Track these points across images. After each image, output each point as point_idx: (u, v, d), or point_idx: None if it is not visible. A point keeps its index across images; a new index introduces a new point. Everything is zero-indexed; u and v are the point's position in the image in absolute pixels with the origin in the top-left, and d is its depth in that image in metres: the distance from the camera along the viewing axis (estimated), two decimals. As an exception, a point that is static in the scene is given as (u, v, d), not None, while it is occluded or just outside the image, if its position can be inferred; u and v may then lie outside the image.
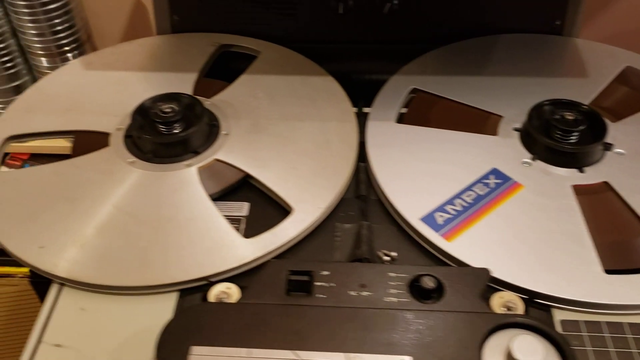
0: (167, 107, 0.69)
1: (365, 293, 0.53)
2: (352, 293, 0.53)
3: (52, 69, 1.02)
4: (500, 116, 0.72)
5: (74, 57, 1.02)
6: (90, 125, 0.72)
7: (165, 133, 0.68)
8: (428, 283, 0.53)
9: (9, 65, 1.03)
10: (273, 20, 0.85)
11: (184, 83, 0.77)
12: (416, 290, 0.54)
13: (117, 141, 0.70)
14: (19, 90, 1.07)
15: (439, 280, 0.53)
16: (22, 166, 1.18)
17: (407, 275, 0.54)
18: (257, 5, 0.84)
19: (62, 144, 1.08)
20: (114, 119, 0.72)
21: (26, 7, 0.96)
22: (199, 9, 0.85)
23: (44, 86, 0.79)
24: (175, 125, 0.69)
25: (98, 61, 0.81)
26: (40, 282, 0.68)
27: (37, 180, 0.66)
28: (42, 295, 0.69)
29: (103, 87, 0.77)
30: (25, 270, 1.37)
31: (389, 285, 0.54)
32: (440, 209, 0.62)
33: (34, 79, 1.08)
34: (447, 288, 0.53)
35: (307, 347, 0.48)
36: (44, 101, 0.76)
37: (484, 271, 0.55)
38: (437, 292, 0.53)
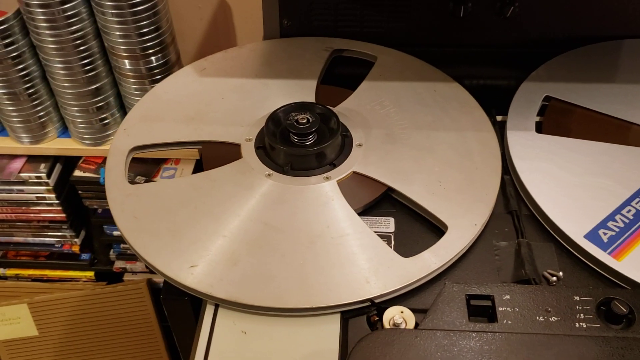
0: (302, 118, 0.66)
1: (552, 318, 0.51)
2: (540, 319, 0.51)
3: (134, 71, 1.00)
4: (642, 126, 0.69)
5: (157, 60, 0.99)
6: (219, 135, 0.69)
7: (301, 144, 0.66)
8: (621, 308, 0.50)
9: (88, 67, 1.00)
10: (384, 22, 0.82)
11: (304, 90, 0.74)
12: (603, 314, 0.51)
13: (249, 153, 0.67)
14: (98, 93, 1.04)
15: (629, 305, 0.51)
16: (96, 170, 1.16)
17: (593, 298, 0.52)
18: (368, 7, 0.81)
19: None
20: (240, 128, 0.70)
21: (114, 7, 0.92)
22: (309, 12, 0.82)
23: (160, 93, 0.76)
24: (309, 136, 0.66)
25: (211, 67, 0.78)
26: (170, 299, 0.66)
27: (175, 194, 0.63)
28: (170, 310, 0.67)
29: (223, 95, 0.74)
30: (90, 274, 1.35)
31: (576, 309, 0.51)
32: (603, 225, 0.60)
33: (114, 82, 1.05)
34: (637, 312, 0.51)
35: (510, 378, 0.46)
36: (163, 109, 0.73)
37: (673, 294, 0.52)
38: (627, 317, 0.51)
